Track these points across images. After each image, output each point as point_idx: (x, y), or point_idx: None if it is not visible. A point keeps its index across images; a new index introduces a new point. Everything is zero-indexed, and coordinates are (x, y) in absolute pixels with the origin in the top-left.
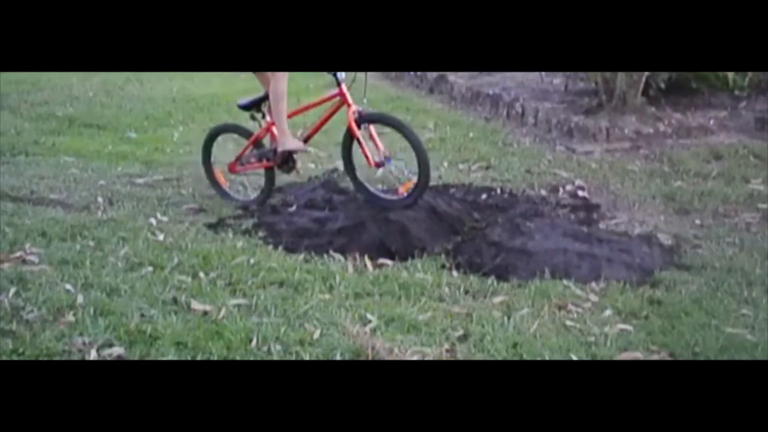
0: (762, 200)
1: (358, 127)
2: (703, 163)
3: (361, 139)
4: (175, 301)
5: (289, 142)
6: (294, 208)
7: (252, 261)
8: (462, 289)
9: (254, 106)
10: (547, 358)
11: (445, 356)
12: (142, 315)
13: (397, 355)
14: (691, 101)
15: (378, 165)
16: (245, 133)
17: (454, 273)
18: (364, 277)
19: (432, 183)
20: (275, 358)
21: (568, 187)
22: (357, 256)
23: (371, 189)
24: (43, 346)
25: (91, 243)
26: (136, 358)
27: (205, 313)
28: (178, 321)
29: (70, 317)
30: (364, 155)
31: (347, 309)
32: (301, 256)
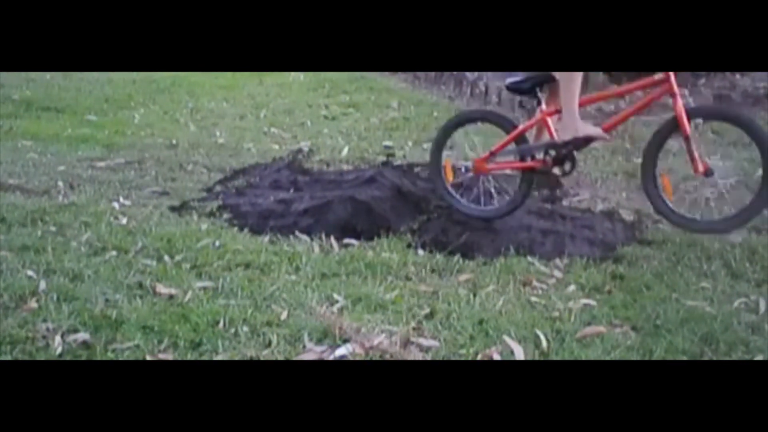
0: (721, 176)
1: (689, 121)
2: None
3: (691, 138)
4: (140, 285)
5: (584, 126)
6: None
7: (217, 243)
8: (428, 267)
9: (532, 90)
10: (512, 334)
11: (412, 334)
12: (107, 300)
13: (365, 334)
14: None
15: (707, 172)
16: (505, 123)
17: (420, 252)
18: (331, 258)
19: (396, 162)
20: (243, 340)
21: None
22: (323, 236)
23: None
24: (6, 333)
25: (53, 228)
26: (102, 343)
27: (171, 296)
28: (143, 305)
29: (33, 304)
30: (691, 159)
31: (314, 289)
32: (267, 238)
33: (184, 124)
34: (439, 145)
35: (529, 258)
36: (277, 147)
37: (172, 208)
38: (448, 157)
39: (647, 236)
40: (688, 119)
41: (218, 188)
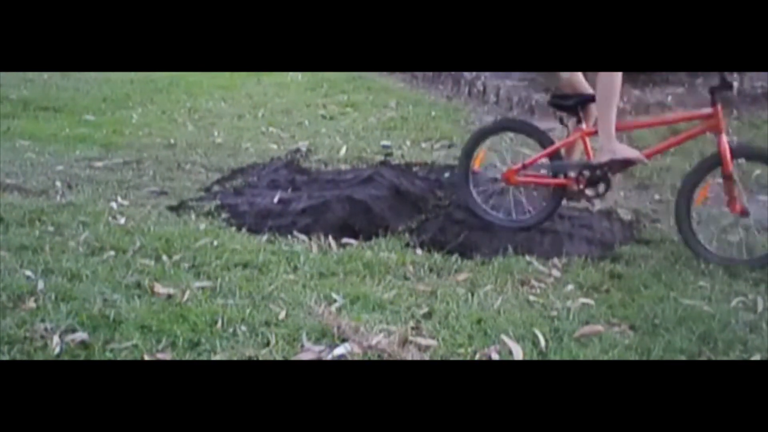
0: (717, 175)
1: (732, 160)
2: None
3: (735, 177)
4: (138, 284)
5: (623, 149)
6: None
7: (215, 243)
8: (426, 267)
9: (575, 107)
10: (511, 334)
11: (410, 334)
12: (105, 300)
13: (363, 333)
14: (649, 78)
15: (743, 212)
16: (541, 137)
17: (418, 251)
18: (329, 257)
19: (394, 162)
20: (241, 339)
21: None
22: (321, 236)
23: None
24: (4, 333)
25: (51, 228)
26: (100, 343)
27: (169, 296)
28: (141, 305)
29: (31, 303)
30: (730, 197)
31: (312, 289)
32: (265, 237)
33: (182, 124)
34: (468, 152)
35: (528, 257)
36: (275, 146)
37: (170, 208)
38: (485, 148)
39: (645, 235)
40: (732, 158)
41: (216, 188)
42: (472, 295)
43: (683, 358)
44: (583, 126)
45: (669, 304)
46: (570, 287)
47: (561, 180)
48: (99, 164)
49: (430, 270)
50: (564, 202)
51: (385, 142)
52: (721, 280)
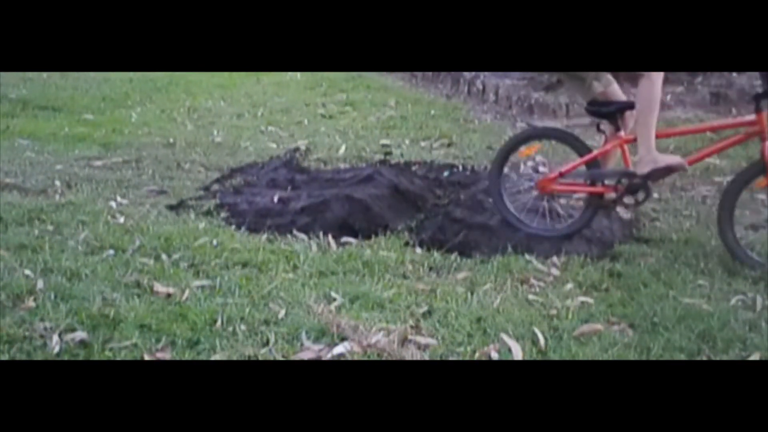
0: (717, 174)
1: None
2: (660, 138)
3: None
4: (137, 284)
5: (664, 157)
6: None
7: (215, 242)
8: (425, 265)
9: (614, 115)
10: (510, 332)
11: (409, 332)
12: (105, 299)
13: (363, 332)
14: None
15: None
16: (578, 145)
17: (418, 250)
18: (328, 256)
19: (394, 160)
20: (240, 338)
21: (529, 163)
22: (320, 235)
23: None
24: (3, 333)
25: (50, 227)
26: (99, 342)
27: (169, 295)
28: (141, 304)
29: (31, 303)
30: None
31: (312, 288)
32: (264, 236)
33: (181, 123)
34: (501, 160)
35: (527, 256)
36: (274, 146)
37: (170, 207)
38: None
39: (644, 234)
40: None
41: (215, 187)
42: (472, 293)
43: (683, 356)
44: (622, 134)
45: (668, 302)
46: (569, 286)
47: (599, 188)
48: (98, 163)
49: (430, 269)
50: (565, 202)
51: (384, 141)
52: (720, 279)
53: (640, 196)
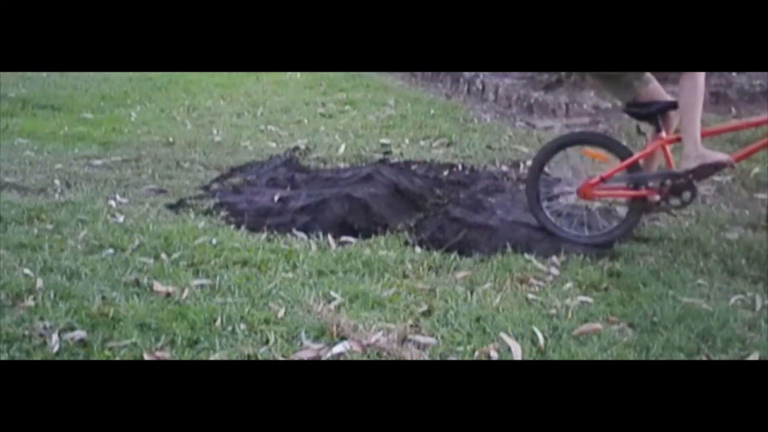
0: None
1: None
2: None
3: None
4: (137, 282)
5: (712, 153)
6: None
7: (214, 241)
8: (425, 265)
9: (655, 116)
10: (509, 332)
11: (409, 332)
12: (104, 298)
13: (362, 331)
14: None
15: None
16: (618, 149)
17: (417, 249)
18: (328, 255)
19: (393, 160)
20: (240, 337)
21: (529, 163)
22: (320, 234)
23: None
24: (3, 332)
25: (49, 226)
26: (99, 341)
27: (168, 294)
28: (140, 303)
29: (30, 302)
30: None
31: (311, 287)
32: (264, 236)
33: (180, 122)
34: (539, 165)
35: (526, 255)
36: (274, 145)
37: (169, 206)
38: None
39: (644, 233)
40: None
41: (215, 186)
42: (471, 293)
43: (682, 355)
44: (663, 134)
45: (668, 302)
46: (569, 285)
47: (642, 191)
48: (98, 162)
49: (429, 268)
50: (566, 201)
51: (384, 140)
52: (719, 278)
53: (686, 196)
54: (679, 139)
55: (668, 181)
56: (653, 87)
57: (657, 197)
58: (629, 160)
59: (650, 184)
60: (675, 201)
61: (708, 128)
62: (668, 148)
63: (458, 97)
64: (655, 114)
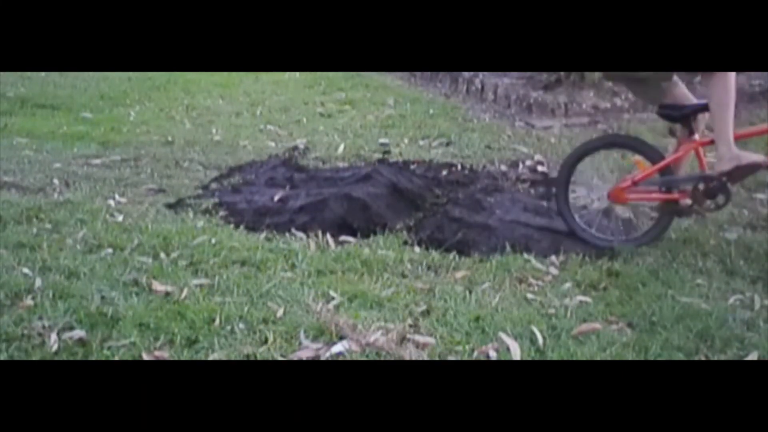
0: None
1: None
2: (660, 137)
3: None
4: (136, 282)
5: (747, 154)
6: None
7: (213, 240)
8: (424, 264)
9: (687, 118)
10: (508, 331)
11: (408, 331)
12: (103, 297)
13: (361, 331)
14: None
15: None
16: (650, 152)
17: (416, 249)
18: (327, 255)
19: (392, 159)
20: (239, 337)
21: (528, 163)
22: (319, 233)
23: None
24: (1, 331)
25: (48, 226)
26: (98, 341)
27: (167, 293)
28: (139, 302)
29: (29, 301)
30: None
31: (310, 286)
32: (263, 235)
33: (179, 122)
34: (569, 168)
35: (525, 255)
36: (273, 144)
37: (168, 206)
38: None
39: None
40: None
41: (214, 185)
42: (470, 292)
43: (681, 355)
44: (696, 137)
45: (666, 301)
46: (568, 285)
47: (675, 195)
48: (96, 162)
49: (428, 268)
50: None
51: (383, 140)
52: (718, 278)
53: (720, 199)
54: (712, 142)
55: (701, 184)
56: (679, 90)
57: (689, 201)
58: (662, 163)
59: (682, 187)
60: (709, 204)
61: (740, 131)
62: (701, 150)
63: (457, 96)
64: (688, 116)
